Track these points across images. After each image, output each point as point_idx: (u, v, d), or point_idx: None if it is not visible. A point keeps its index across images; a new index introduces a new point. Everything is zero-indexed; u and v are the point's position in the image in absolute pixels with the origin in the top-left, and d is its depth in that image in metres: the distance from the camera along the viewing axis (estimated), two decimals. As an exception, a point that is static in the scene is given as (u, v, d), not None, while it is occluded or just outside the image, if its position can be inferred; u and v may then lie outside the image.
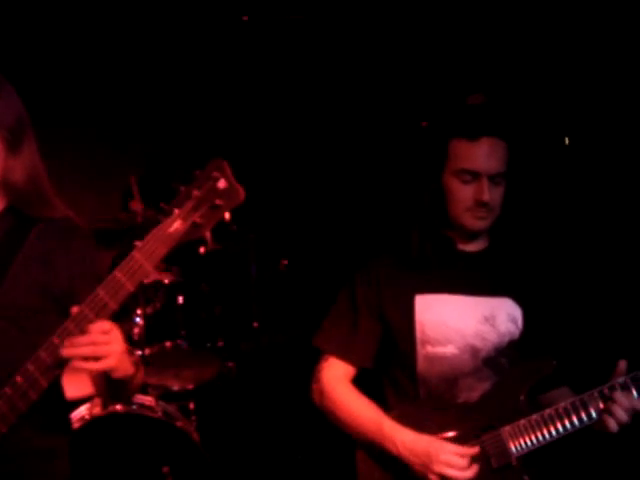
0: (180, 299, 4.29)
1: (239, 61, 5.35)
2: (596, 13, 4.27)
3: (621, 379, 2.36)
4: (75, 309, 1.97)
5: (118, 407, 3.71)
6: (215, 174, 1.98)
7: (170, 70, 5.44)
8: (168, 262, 4.24)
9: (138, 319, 4.05)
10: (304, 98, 5.41)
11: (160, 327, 4.20)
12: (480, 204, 2.52)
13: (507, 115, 2.71)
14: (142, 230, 4.11)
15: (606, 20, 4.24)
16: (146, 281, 3.98)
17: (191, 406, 4.21)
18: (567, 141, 4.54)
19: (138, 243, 2.01)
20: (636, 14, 4.09)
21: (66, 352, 1.95)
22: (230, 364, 4.43)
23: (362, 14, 5.04)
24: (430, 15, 4.90)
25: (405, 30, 5.01)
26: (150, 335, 4.10)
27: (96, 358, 1.96)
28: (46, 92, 4.87)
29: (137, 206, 4.68)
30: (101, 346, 1.96)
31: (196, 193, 1.97)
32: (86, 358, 1.96)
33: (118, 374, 2.08)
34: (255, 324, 4.84)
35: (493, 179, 2.52)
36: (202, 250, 4.39)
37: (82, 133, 5.40)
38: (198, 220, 1.98)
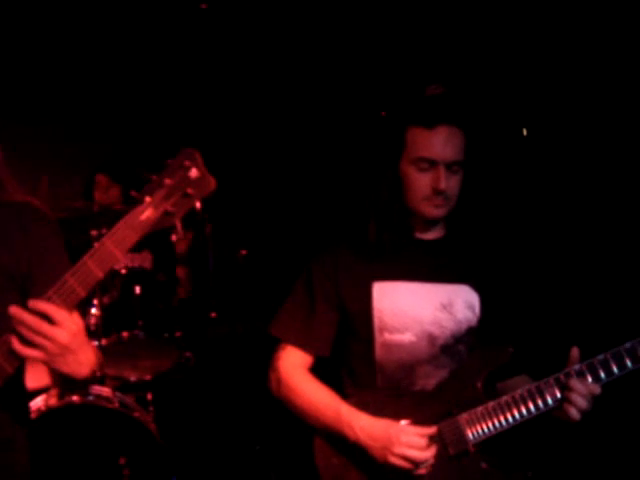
0: (137, 289, 4.26)
1: (194, 48, 5.35)
2: (554, 4, 4.30)
3: (576, 366, 2.37)
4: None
5: (74, 398, 3.69)
6: (187, 163, 1.96)
7: (129, 58, 5.42)
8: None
9: (94, 309, 4.02)
10: (262, 88, 5.41)
11: (117, 317, 4.18)
12: (437, 192, 2.52)
13: (465, 104, 2.70)
14: (98, 219, 4.10)
15: (565, 12, 4.27)
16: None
17: (149, 397, 4.18)
18: (525, 132, 4.58)
19: (110, 230, 1.97)
20: (595, 6, 4.13)
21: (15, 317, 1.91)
22: (188, 354, 4.40)
23: (321, 5, 5.04)
24: (389, 6, 4.91)
25: (365, 21, 5.02)
26: (107, 325, 4.08)
27: (30, 343, 1.93)
28: (9, 85, 4.84)
29: (101, 196, 4.68)
30: (37, 335, 1.91)
31: (168, 181, 1.96)
32: (23, 340, 1.92)
33: (63, 370, 2.03)
34: (213, 314, 4.82)
35: (450, 167, 2.53)
36: (173, 238, 4.38)
37: (41, 125, 5.37)
38: (169, 208, 1.96)
